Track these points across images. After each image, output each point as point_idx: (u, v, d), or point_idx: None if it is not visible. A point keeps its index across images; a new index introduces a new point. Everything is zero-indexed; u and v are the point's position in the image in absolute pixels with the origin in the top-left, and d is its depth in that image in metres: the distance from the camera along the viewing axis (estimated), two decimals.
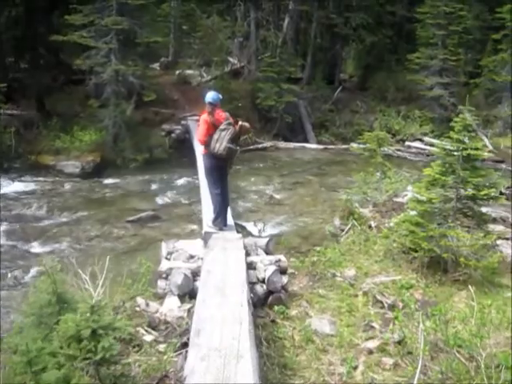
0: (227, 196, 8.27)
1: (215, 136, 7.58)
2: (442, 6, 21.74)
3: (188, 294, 6.70)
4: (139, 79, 15.81)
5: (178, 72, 24.29)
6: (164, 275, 6.98)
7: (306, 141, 21.15)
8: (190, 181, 14.40)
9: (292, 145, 20.26)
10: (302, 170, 16.81)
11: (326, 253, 9.21)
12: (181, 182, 14.86)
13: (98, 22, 15.05)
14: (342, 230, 10.59)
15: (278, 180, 15.38)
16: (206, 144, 7.74)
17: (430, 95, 22.37)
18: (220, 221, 7.93)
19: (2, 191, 13.30)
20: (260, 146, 19.44)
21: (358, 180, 11.99)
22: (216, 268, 6.10)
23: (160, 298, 7.01)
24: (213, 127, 7.66)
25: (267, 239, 8.08)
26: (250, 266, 6.96)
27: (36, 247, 9.92)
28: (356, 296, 7.70)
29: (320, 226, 11.38)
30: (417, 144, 20.96)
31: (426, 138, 21.24)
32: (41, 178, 14.67)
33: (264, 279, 6.86)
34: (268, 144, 19.86)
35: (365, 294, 7.66)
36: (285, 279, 7.13)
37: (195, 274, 6.83)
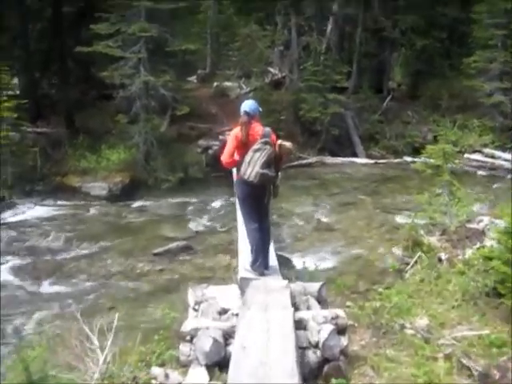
0: (268, 232, 6.65)
1: (247, 158, 6.05)
2: (501, 3, 19.84)
3: (218, 363, 5.13)
4: (171, 92, 14.41)
5: (215, 84, 22.88)
6: (188, 337, 5.41)
7: (355, 155, 19.45)
8: (228, 203, 12.90)
9: (339, 160, 18.56)
10: (353, 188, 15.13)
11: (389, 295, 7.53)
12: (218, 204, 13.39)
13: (125, 30, 13.75)
14: (406, 264, 8.89)
15: (326, 200, 13.74)
16: (236, 167, 6.28)
17: (489, 102, 20.34)
18: (260, 264, 6.33)
19: (22, 217, 12.08)
20: (304, 161, 17.80)
21: (420, 202, 10.29)
22: (254, 341, 4.47)
23: (183, 365, 5.46)
24: (243, 146, 6.15)
25: (319, 285, 6.42)
26: (300, 325, 5.33)
27: (46, 287, 8.52)
28: (435, 359, 5.99)
29: (378, 257, 9.71)
30: (477, 156, 18.98)
31: (487, 150, 19.23)
32: (64, 202, 13.41)
33: (317, 343, 5.23)
34: (313, 159, 18.23)
35: (447, 357, 5.95)
36: (344, 341, 5.49)
37: (228, 336, 5.27)
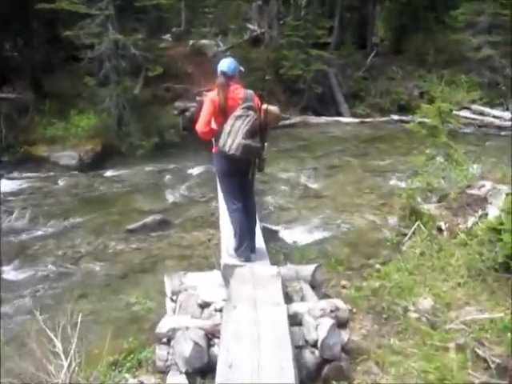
0: (253, 211, 5.78)
1: (227, 127, 5.14)
2: None
3: (200, 370, 4.38)
4: (143, 51, 13.33)
5: (191, 42, 21.63)
6: (165, 339, 4.64)
7: (339, 114, 18.66)
8: (207, 170, 11.99)
9: (323, 119, 17.75)
10: (339, 149, 14.33)
11: (388, 272, 6.85)
12: (196, 171, 12.50)
13: None
14: (403, 235, 8.18)
15: (312, 164, 12.94)
16: (214, 137, 5.36)
17: (477, 57, 19.58)
18: (245, 248, 5.49)
19: None
20: (287, 122, 16.88)
21: (416, 165, 9.56)
22: (242, 356, 3.64)
23: (160, 372, 4.70)
24: (222, 112, 5.25)
25: (313, 267, 5.65)
26: (294, 320, 4.59)
27: (8, 273, 7.63)
28: (445, 349, 5.30)
29: (372, 226, 8.98)
30: (465, 113, 18.23)
31: (475, 106, 18.47)
32: (31, 174, 12.44)
33: (315, 342, 4.49)
34: (296, 119, 17.38)
35: (459, 347, 5.26)
36: (345, 336, 4.76)
37: (211, 336, 4.51)
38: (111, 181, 12.05)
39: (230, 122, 5.16)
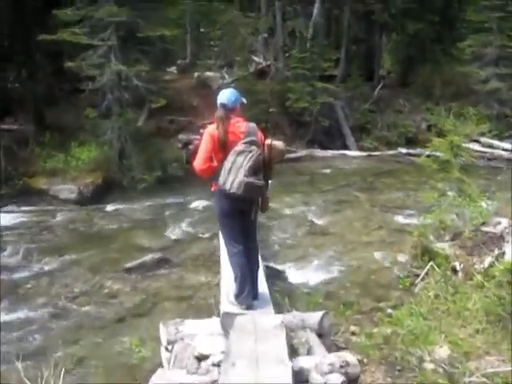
0: (256, 254, 5.38)
1: (227, 163, 4.77)
2: None
3: None
4: (147, 83, 13.06)
5: (196, 75, 21.44)
6: None
7: (345, 147, 18.30)
8: (210, 205, 11.47)
9: (330, 152, 17.40)
10: (346, 183, 13.93)
11: (401, 317, 6.40)
12: (199, 206, 12.04)
13: (92, 14, 12.40)
14: (416, 276, 7.74)
15: (319, 199, 12.54)
16: (213, 175, 4.93)
17: (484, 89, 19.27)
18: (247, 295, 5.05)
19: None
20: (293, 155, 16.51)
21: (427, 201, 9.15)
22: None
23: None
24: (222, 148, 4.86)
25: (320, 315, 5.21)
26: (300, 377, 4.14)
27: None
28: None
29: (381, 265, 8.55)
30: (474, 146, 17.87)
31: (484, 139, 18.11)
32: (29, 207, 12.07)
33: None
34: (302, 153, 17.03)
35: None
36: None
37: None
38: (111, 216, 11.67)
39: (230, 158, 4.78)
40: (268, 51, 22.20)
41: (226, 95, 5.07)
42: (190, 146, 16.13)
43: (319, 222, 10.92)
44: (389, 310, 6.76)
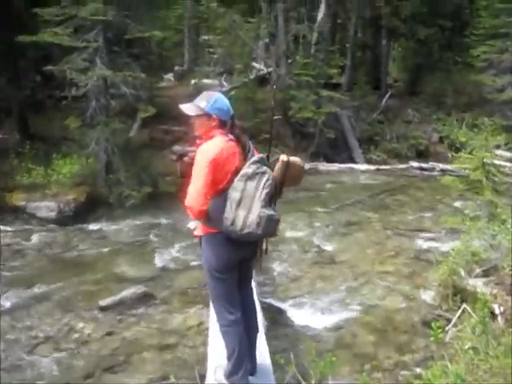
0: (254, 312, 4.11)
1: (234, 193, 3.56)
2: None
3: None
4: (136, 90, 11.80)
5: (193, 82, 20.20)
6: None
7: (352, 160, 17.09)
8: None
9: (336, 166, 16.15)
10: (355, 201, 12.64)
11: (433, 379, 5.14)
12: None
13: (75, 13, 11.15)
14: (447, 320, 6.48)
15: (325, 219, 11.26)
16: (211, 215, 3.67)
17: (500, 98, 18.02)
18: (243, 374, 3.75)
19: None
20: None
21: (447, 224, 7.95)
22: None
23: None
24: (224, 175, 3.65)
25: None
26: None
27: None
28: None
29: (401, 304, 7.30)
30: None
31: (500, 152, 16.85)
32: (2, 227, 10.79)
33: None
34: (306, 166, 15.70)
35: None
36: None
37: None
38: (93, 238, 10.37)
39: (238, 185, 3.56)
40: (269, 57, 21.01)
41: (226, 103, 3.84)
42: (185, 159, 14.89)
43: (326, 247, 9.65)
44: (418, 370, 5.50)
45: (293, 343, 6.09)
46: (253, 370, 3.94)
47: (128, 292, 7.41)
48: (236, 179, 3.59)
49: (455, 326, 6.29)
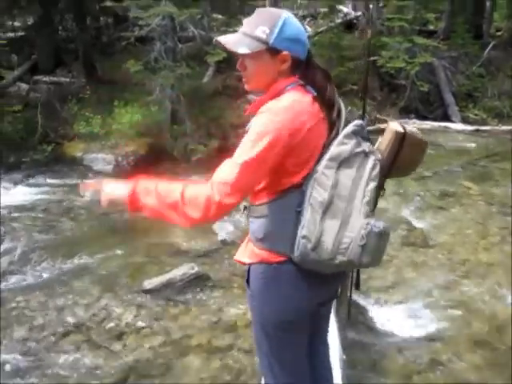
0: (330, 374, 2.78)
1: (318, 192, 2.07)
2: None
3: None
4: (205, 31, 10.45)
5: None
6: None
7: (447, 118, 15.17)
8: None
9: (429, 124, 14.28)
10: (450, 168, 10.99)
11: None
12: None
13: None
14: None
15: (416, 189, 9.69)
16: (270, 230, 2.27)
17: None
18: None
19: None
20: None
21: None
22: None
23: None
24: (303, 161, 2.18)
25: None
26: None
27: None
28: None
29: None
30: None
31: None
32: (56, 181, 9.88)
33: None
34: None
35: None
36: None
37: None
38: None
39: (323, 175, 2.11)
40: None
41: (302, 28, 2.37)
42: None
43: (417, 223, 8.14)
44: None
45: (375, 364, 4.76)
46: None
47: (179, 272, 6.23)
48: (321, 166, 2.13)
49: None
